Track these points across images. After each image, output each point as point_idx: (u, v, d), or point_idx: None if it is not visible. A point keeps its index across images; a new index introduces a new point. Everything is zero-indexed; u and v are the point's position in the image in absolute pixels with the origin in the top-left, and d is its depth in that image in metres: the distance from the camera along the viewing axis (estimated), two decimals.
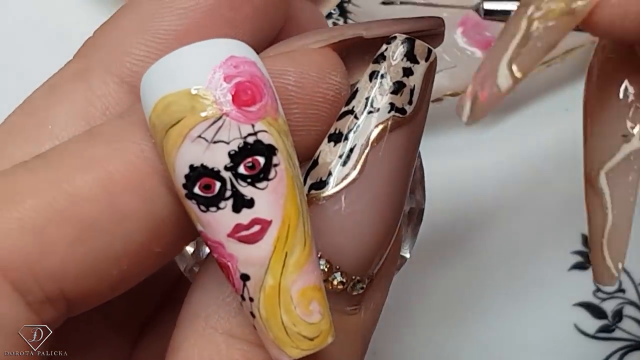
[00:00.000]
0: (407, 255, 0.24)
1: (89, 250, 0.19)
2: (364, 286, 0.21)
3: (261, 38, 0.22)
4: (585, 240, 0.37)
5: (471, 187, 0.39)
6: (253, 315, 0.19)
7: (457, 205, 0.39)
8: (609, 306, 0.36)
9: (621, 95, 0.21)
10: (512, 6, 0.19)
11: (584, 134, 0.21)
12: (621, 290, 0.37)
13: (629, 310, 0.36)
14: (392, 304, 0.36)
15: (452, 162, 0.39)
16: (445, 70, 0.40)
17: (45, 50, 0.40)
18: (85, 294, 0.19)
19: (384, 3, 0.20)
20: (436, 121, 0.40)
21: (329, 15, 0.42)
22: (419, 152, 0.23)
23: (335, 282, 0.21)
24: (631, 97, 0.20)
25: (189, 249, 0.25)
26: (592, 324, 0.36)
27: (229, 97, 0.18)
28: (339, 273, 0.21)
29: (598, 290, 0.37)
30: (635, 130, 0.21)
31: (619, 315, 0.36)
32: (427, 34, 0.22)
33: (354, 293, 0.21)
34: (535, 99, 0.41)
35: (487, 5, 0.19)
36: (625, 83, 0.21)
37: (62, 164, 0.19)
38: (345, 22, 0.41)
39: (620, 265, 0.21)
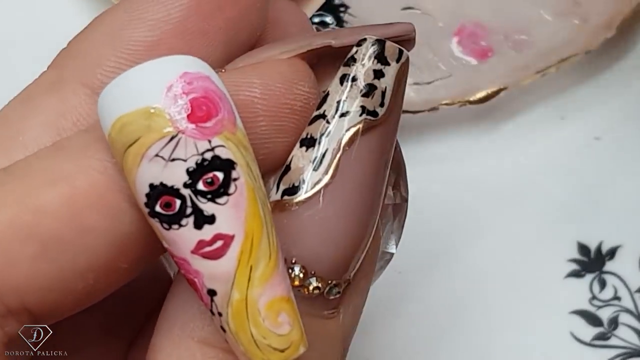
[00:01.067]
0: (393, 251, 0.24)
1: (52, 266, 0.19)
2: (341, 290, 0.21)
3: (237, 47, 0.22)
4: (581, 248, 0.37)
5: (467, 194, 0.39)
6: (224, 330, 0.19)
7: (452, 213, 0.39)
8: (605, 314, 0.36)
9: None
10: None
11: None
12: (617, 297, 0.36)
13: (624, 318, 0.36)
14: (386, 312, 0.36)
15: (448, 169, 0.39)
16: (441, 80, 0.40)
17: (40, 51, 0.40)
18: (49, 307, 0.19)
19: None
20: (432, 129, 0.40)
21: (325, 24, 0.42)
22: (399, 147, 0.23)
23: (311, 288, 0.21)
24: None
25: None
26: (588, 332, 0.36)
27: (184, 114, 0.18)
28: (314, 278, 0.21)
29: (594, 297, 0.36)
30: None
31: (614, 323, 0.36)
32: (398, 39, 0.22)
33: (331, 297, 0.21)
34: (531, 107, 0.41)
35: None
36: None
37: (27, 179, 0.19)
38: None
39: None
